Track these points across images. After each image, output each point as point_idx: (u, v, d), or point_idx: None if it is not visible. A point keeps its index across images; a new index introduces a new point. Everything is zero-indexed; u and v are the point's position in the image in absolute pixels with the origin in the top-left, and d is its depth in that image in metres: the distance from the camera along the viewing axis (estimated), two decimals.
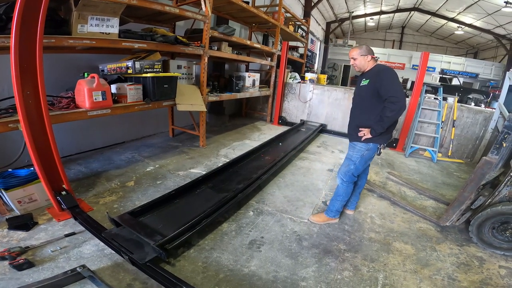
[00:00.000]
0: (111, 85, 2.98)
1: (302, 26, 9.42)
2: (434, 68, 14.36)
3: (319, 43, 15.41)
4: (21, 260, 1.73)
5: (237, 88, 5.19)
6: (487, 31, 13.21)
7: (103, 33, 2.70)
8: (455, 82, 10.46)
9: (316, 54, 14.29)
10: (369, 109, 2.29)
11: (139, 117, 4.40)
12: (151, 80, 3.14)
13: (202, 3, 3.78)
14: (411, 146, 5.19)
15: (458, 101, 5.36)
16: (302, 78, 7.30)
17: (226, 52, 4.60)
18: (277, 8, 6.31)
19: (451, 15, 13.15)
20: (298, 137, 5.32)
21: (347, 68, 15.53)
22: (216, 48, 4.39)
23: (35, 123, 2.11)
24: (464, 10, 11.84)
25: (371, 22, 16.98)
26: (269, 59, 6.51)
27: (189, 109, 3.82)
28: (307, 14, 10.86)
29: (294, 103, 6.83)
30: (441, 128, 5.13)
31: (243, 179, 3.18)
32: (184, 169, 3.54)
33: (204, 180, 3.03)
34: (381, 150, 2.41)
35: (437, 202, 3.30)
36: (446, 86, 6.81)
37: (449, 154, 5.23)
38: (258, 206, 2.81)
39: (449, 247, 2.42)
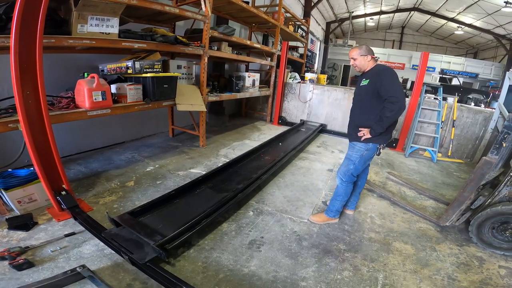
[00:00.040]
0: (111, 85, 2.98)
1: (302, 26, 9.42)
2: (434, 68, 14.37)
3: (319, 43, 15.41)
4: (21, 260, 1.73)
5: (237, 88, 5.19)
6: (487, 31, 13.22)
7: (103, 33, 2.70)
8: (455, 82, 10.47)
9: (316, 54, 14.29)
10: (369, 109, 2.29)
11: (139, 117, 4.40)
12: (151, 80, 3.14)
13: (202, 3, 3.78)
14: (411, 146, 5.19)
15: (458, 101, 5.36)
16: (302, 78, 7.30)
17: (226, 52, 4.60)
18: (277, 8, 6.31)
19: (451, 15, 13.15)
20: (298, 137, 5.32)
21: (347, 68, 15.54)
22: (216, 48, 4.39)
23: (35, 123, 2.11)
24: (464, 10, 11.84)
25: (371, 22, 16.98)
26: (269, 59, 6.51)
27: (189, 109, 3.82)
28: (307, 14, 10.86)
29: (294, 103, 6.83)
30: (441, 128, 5.13)
31: (243, 179, 3.18)
32: (184, 169, 3.54)
33: (204, 180, 3.03)
34: (381, 150, 2.41)
35: (437, 202, 3.30)
36: (446, 86, 6.81)
37: (449, 154, 5.23)
38: (258, 206, 2.81)
39: (449, 247, 2.42)
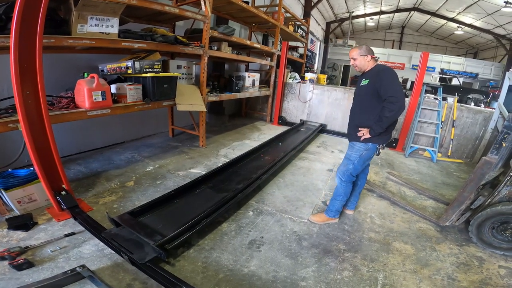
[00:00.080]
0: (111, 85, 2.98)
1: (302, 26, 9.42)
2: (434, 68, 14.36)
3: (319, 43, 15.41)
4: (21, 260, 1.73)
5: (237, 88, 5.19)
6: (487, 31, 13.22)
7: (102, 33, 2.70)
8: (454, 82, 10.46)
9: (316, 54, 14.29)
10: (368, 109, 2.29)
11: (138, 117, 4.40)
12: (150, 80, 3.14)
13: (202, 3, 3.78)
14: (411, 146, 5.19)
15: (458, 101, 5.36)
16: (302, 78, 7.30)
17: (226, 52, 4.60)
18: (277, 8, 6.31)
19: (451, 15, 13.15)
20: (298, 137, 5.32)
21: (347, 68, 15.54)
22: (216, 48, 4.39)
23: (35, 123, 2.11)
24: (464, 10, 11.84)
25: (371, 22, 16.98)
26: (269, 59, 6.51)
27: (189, 109, 3.82)
28: (307, 14, 10.86)
29: (294, 103, 6.83)
30: (441, 128, 5.13)
31: (242, 179, 3.18)
32: (184, 169, 3.54)
33: (204, 180, 3.03)
34: (380, 151, 2.41)
35: (436, 202, 3.30)
36: (445, 86, 6.81)
37: (449, 154, 5.23)
38: (258, 206, 2.81)
39: (448, 247, 2.42)
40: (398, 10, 14.54)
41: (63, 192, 2.32)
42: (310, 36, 10.93)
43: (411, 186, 3.64)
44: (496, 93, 6.82)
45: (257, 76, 5.87)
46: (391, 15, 15.71)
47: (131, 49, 3.44)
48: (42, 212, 2.33)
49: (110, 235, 2.02)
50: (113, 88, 3.02)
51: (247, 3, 5.41)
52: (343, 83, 15.27)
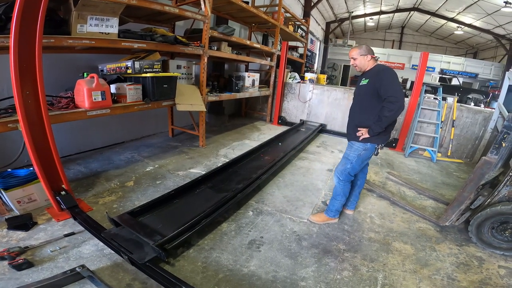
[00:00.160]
0: (111, 85, 2.98)
1: (302, 26, 9.42)
2: (433, 68, 14.36)
3: (318, 43, 15.41)
4: (20, 260, 1.73)
5: (236, 88, 5.19)
6: (487, 31, 13.22)
7: (102, 33, 2.70)
8: (454, 82, 10.46)
9: (315, 54, 14.29)
10: (368, 108, 2.29)
11: (138, 117, 4.39)
12: (150, 80, 3.14)
13: (202, 3, 3.78)
14: (411, 146, 5.19)
15: (458, 101, 5.36)
16: (302, 78, 7.31)
17: (226, 52, 4.60)
18: (276, 8, 6.31)
19: (450, 15, 13.16)
20: (298, 137, 5.32)
21: (346, 68, 15.54)
22: (215, 48, 4.39)
23: (35, 123, 2.11)
24: (464, 10, 11.84)
25: (370, 22, 16.98)
26: (269, 59, 6.51)
27: (188, 109, 3.82)
28: (306, 14, 10.86)
29: (294, 103, 6.83)
30: (441, 128, 5.13)
31: (242, 179, 3.18)
32: (184, 169, 3.54)
33: (204, 180, 3.03)
34: (379, 151, 2.41)
35: (436, 202, 3.30)
36: (445, 86, 6.81)
37: (449, 154, 5.23)
38: (257, 206, 2.81)
39: (448, 247, 2.42)
40: (398, 10, 14.54)
41: (63, 192, 2.32)
42: (310, 36, 10.93)
43: (411, 186, 3.64)
44: (496, 93, 6.82)
45: (257, 76, 5.87)
46: (391, 15, 15.71)
47: (131, 49, 3.44)
48: (41, 212, 2.33)
49: (109, 235, 2.02)
50: (112, 88, 3.02)
51: (247, 3, 5.40)
52: (343, 83, 15.27)
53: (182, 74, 4.05)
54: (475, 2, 10.67)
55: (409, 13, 15.25)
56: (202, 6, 3.80)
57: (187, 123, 5.16)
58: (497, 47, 14.62)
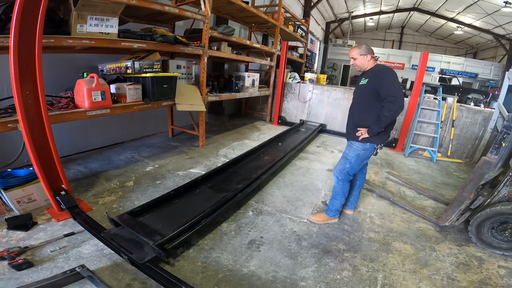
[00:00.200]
0: (111, 85, 2.98)
1: (302, 26, 9.42)
2: (433, 68, 14.35)
3: (318, 43, 15.41)
4: (20, 260, 1.73)
5: (236, 88, 5.19)
6: (487, 31, 13.22)
7: (102, 33, 2.70)
8: (454, 82, 10.46)
9: (315, 54, 14.29)
10: (368, 108, 2.29)
11: (138, 117, 4.39)
12: (150, 80, 3.14)
13: (202, 3, 3.77)
14: (411, 146, 5.19)
15: (458, 101, 5.36)
16: (302, 78, 7.31)
17: (226, 52, 4.60)
18: (276, 8, 6.31)
19: (450, 15, 13.16)
20: (298, 137, 5.32)
21: (346, 68, 15.53)
22: (215, 48, 4.39)
23: (34, 123, 2.11)
24: (464, 10, 11.84)
25: (370, 22, 16.98)
26: (269, 59, 6.51)
27: (188, 109, 3.82)
28: (306, 14, 10.86)
29: (294, 103, 6.83)
30: (441, 128, 5.14)
31: (242, 179, 3.18)
32: (184, 169, 3.54)
33: (204, 180, 3.03)
34: (378, 151, 2.41)
35: (436, 202, 3.30)
36: (445, 86, 6.80)
37: (449, 154, 5.23)
38: (257, 206, 2.81)
39: (448, 247, 2.42)
40: (398, 10, 14.54)
41: (63, 192, 2.32)
42: (310, 36, 10.93)
43: (410, 186, 3.64)
44: (496, 93, 6.82)
45: (256, 76, 5.87)
46: (390, 15, 15.71)
47: (131, 49, 3.44)
48: (41, 212, 2.33)
49: (109, 235, 2.02)
50: (112, 88, 3.02)
51: (247, 3, 5.40)
52: (343, 83, 15.26)
53: (182, 74, 4.05)
54: (475, 2, 10.67)
55: (409, 13, 15.25)
56: (202, 6, 3.80)
57: (187, 123, 5.16)
58: (497, 47, 14.62)
